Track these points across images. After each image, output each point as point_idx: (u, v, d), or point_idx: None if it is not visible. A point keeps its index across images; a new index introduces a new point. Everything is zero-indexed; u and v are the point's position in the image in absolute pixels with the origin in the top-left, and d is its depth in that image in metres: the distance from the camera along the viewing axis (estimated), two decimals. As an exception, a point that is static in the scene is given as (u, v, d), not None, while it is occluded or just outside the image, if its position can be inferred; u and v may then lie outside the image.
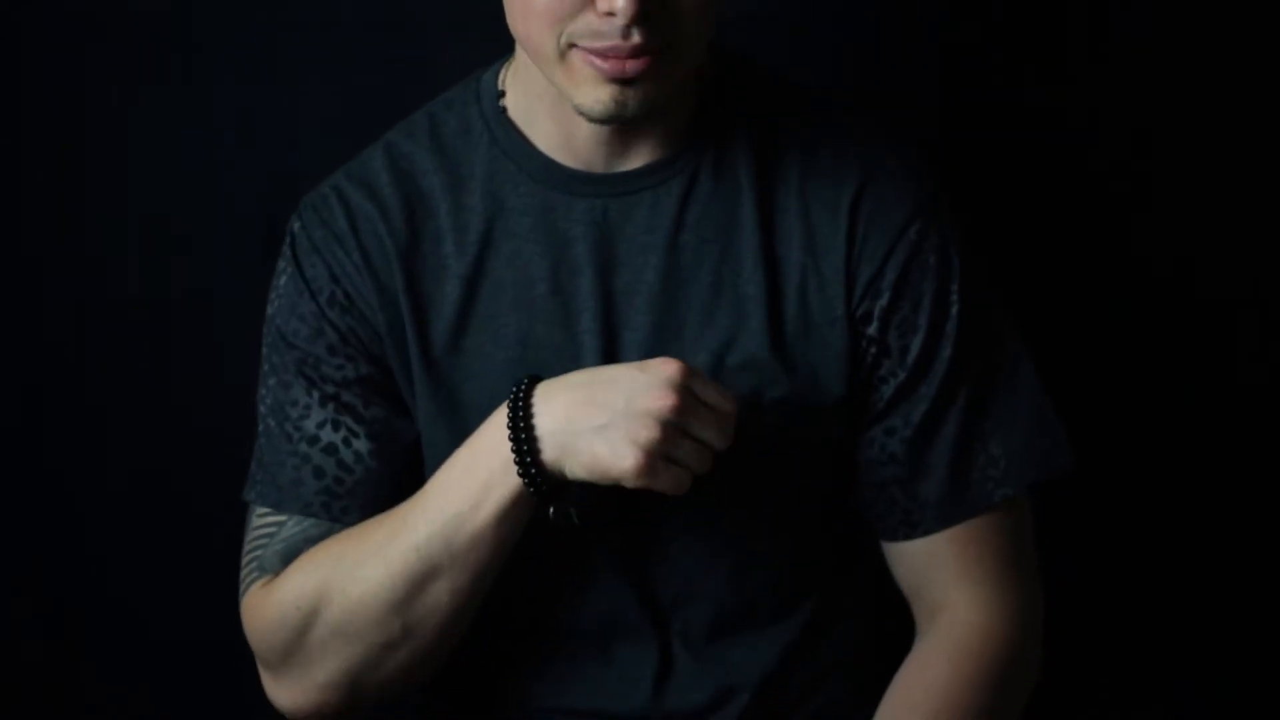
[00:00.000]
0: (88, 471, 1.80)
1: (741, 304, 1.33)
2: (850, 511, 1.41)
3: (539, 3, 1.22)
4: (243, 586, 1.37)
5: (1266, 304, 1.75)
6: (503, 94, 1.37)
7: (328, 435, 1.34)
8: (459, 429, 1.32)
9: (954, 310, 1.34)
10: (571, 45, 1.23)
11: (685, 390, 1.21)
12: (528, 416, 1.24)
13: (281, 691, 1.35)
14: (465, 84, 1.40)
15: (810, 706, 1.42)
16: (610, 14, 1.20)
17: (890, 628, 1.45)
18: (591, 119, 1.26)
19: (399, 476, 1.36)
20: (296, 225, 1.37)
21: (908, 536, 1.37)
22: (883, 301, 1.33)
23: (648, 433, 1.20)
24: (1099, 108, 1.70)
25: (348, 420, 1.34)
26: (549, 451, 1.23)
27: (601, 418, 1.22)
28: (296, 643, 1.32)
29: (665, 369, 1.22)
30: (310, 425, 1.35)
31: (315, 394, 1.35)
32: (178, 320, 1.76)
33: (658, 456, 1.21)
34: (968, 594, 1.37)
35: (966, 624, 1.36)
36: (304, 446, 1.34)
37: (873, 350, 1.34)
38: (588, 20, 1.22)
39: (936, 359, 1.34)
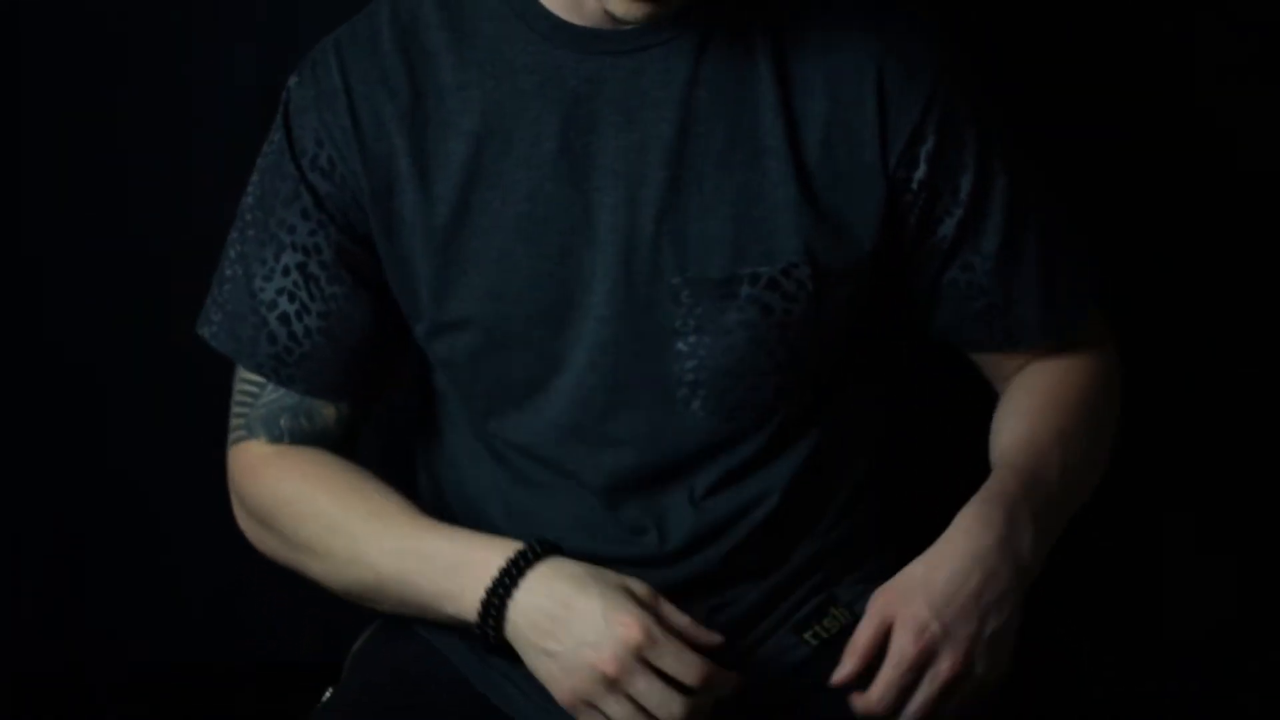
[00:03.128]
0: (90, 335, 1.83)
1: (760, 156, 1.33)
2: (861, 350, 1.44)
3: None
4: (231, 436, 1.44)
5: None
6: None
7: (284, 304, 1.38)
8: (467, 286, 1.35)
9: (998, 148, 1.37)
10: None
11: (631, 659, 1.23)
12: (509, 588, 1.28)
13: (243, 528, 1.46)
14: None
15: (809, 545, 1.42)
16: None
17: (893, 466, 1.49)
18: (616, 16, 1.29)
19: (347, 361, 1.40)
20: (293, 81, 1.38)
21: (1014, 350, 1.44)
22: (928, 146, 1.34)
23: (582, 684, 1.25)
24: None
25: (303, 295, 1.37)
26: (509, 628, 1.28)
27: (555, 645, 1.26)
28: (263, 533, 1.42)
29: (624, 632, 1.24)
30: (271, 290, 1.38)
31: (283, 259, 1.37)
32: (172, 185, 1.78)
33: (585, 705, 1.25)
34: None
35: (1065, 361, 1.45)
36: (263, 310, 1.38)
37: (923, 195, 1.35)
38: None
39: (993, 190, 1.37)
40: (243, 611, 1.77)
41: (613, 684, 1.24)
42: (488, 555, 1.30)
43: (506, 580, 1.28)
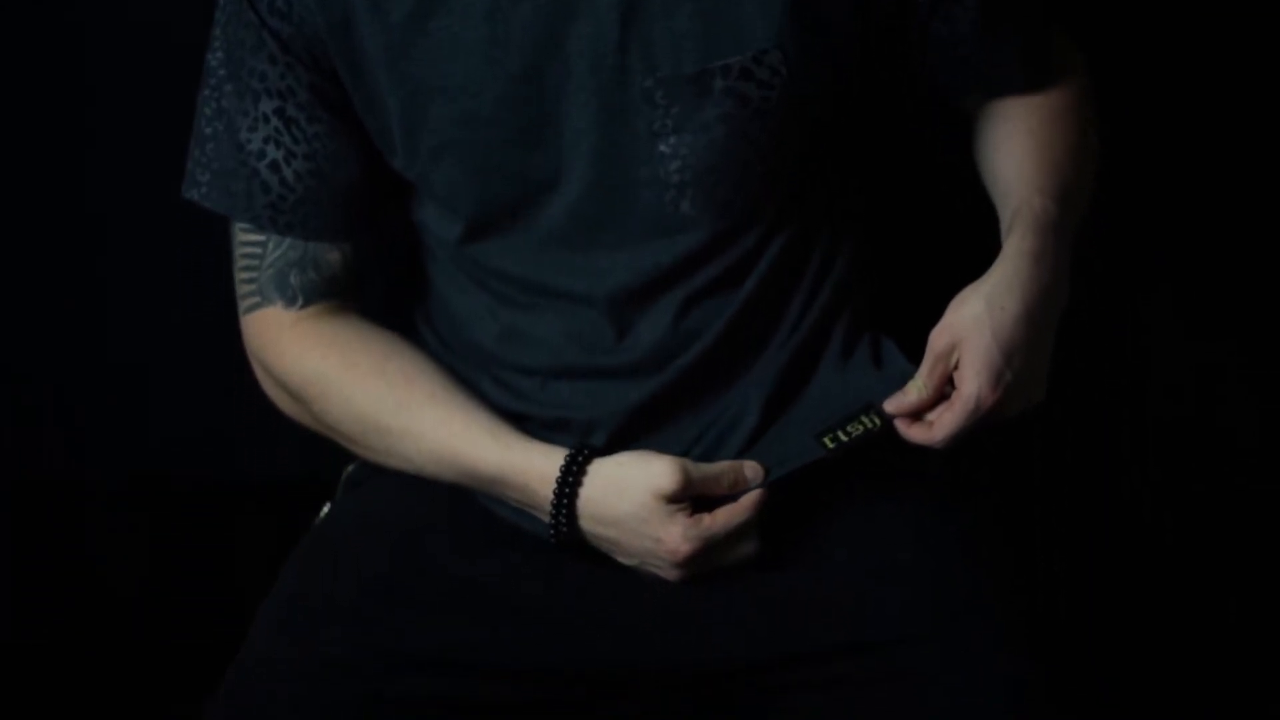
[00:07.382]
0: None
1: None
2: (845, 131, 1.44)
3: None
4: (243, 304, 1.44)
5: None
6: None
7: (271, 152, 1.37)
8: (437, 115, 1.33)
9: None
10: None
11: (689, 565, 1.33)
12: (560, 529, 1.35)
13: (270, 394, 1.47)
14: None
15: (789, 336, 1.42)
16: None
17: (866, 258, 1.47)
18: None
19: (340, 201, 1.40)
20: None
21: (999, 96, 1.46)
22: None
23: (671, 574, 1.35)
24: None
25: (287, 140, 1.37)
26: (583, 523, 1.35)
27: (626, 559, 1.36)
28: (292, 405, 1.45)
29: (671, 555, 1.32)
30: (257, 140, 1.37)
31: (261, 107, 1.36)
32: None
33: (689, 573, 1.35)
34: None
35: (1049, 94, 1.47)
36: (253, 161, 1.38)
37: None
38: None
39: None
40: (240, 425, 1.78)
41: (694, 572, 1.35)
42: (525, 483, 1.35)
43: (554, 528, 1.35)
